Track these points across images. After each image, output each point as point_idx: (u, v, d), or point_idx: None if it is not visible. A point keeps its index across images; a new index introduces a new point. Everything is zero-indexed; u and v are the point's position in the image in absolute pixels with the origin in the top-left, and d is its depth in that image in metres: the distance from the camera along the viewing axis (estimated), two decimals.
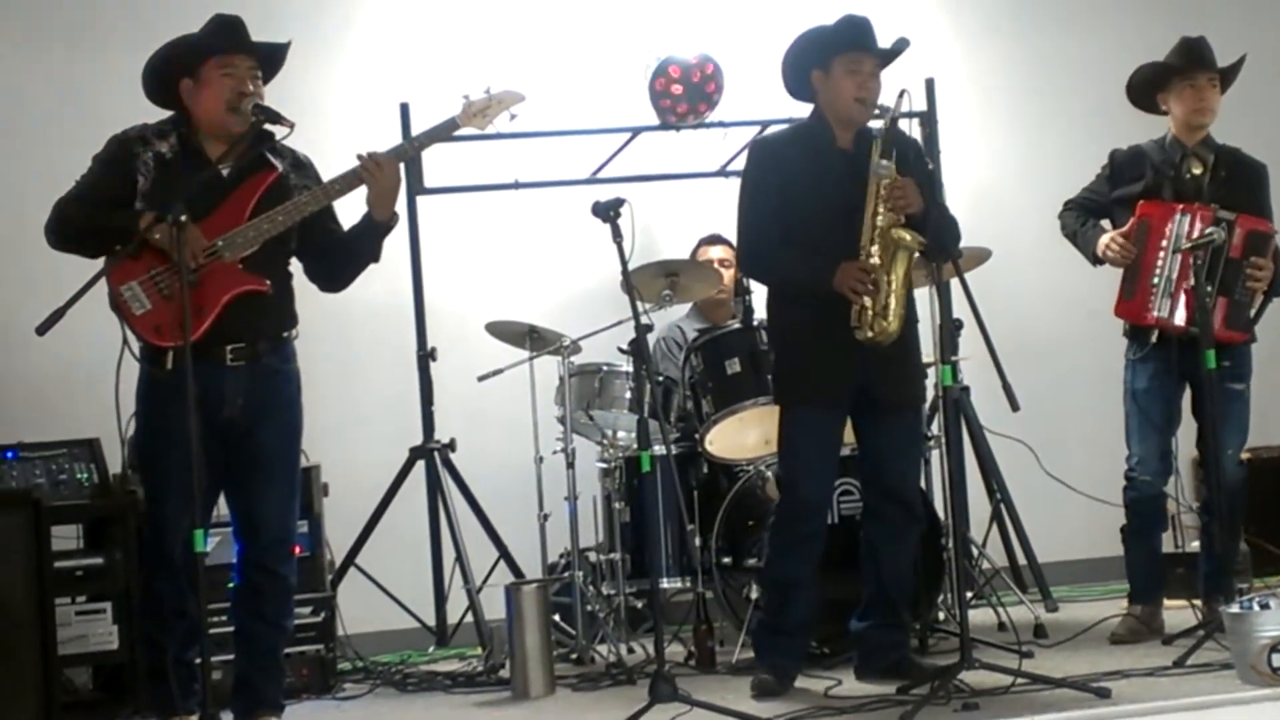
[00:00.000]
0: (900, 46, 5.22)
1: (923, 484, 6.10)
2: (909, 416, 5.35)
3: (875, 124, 5.22)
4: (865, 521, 5.40)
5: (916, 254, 5.10)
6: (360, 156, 4.89)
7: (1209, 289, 5.53)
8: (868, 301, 5.06)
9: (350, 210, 5.02)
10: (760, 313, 5.76)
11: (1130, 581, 5.94)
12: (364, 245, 4.99)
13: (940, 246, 5.08)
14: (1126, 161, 5.88)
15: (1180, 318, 5.64)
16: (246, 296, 4.77)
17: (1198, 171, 5.77)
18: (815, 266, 5.11)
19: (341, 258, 5.03)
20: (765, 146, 5.41)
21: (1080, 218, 5.94)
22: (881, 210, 5.08)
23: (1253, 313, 5.74)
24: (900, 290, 5.09)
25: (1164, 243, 5.65)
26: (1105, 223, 5.91)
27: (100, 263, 4.75)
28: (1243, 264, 5.65)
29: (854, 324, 5.08)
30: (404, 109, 6.74)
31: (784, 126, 5.74)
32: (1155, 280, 5.67)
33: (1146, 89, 5.86)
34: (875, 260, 5.07)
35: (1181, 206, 5.65)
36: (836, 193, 5.16)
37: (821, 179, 5.18)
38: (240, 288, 4.77)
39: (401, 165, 5.02)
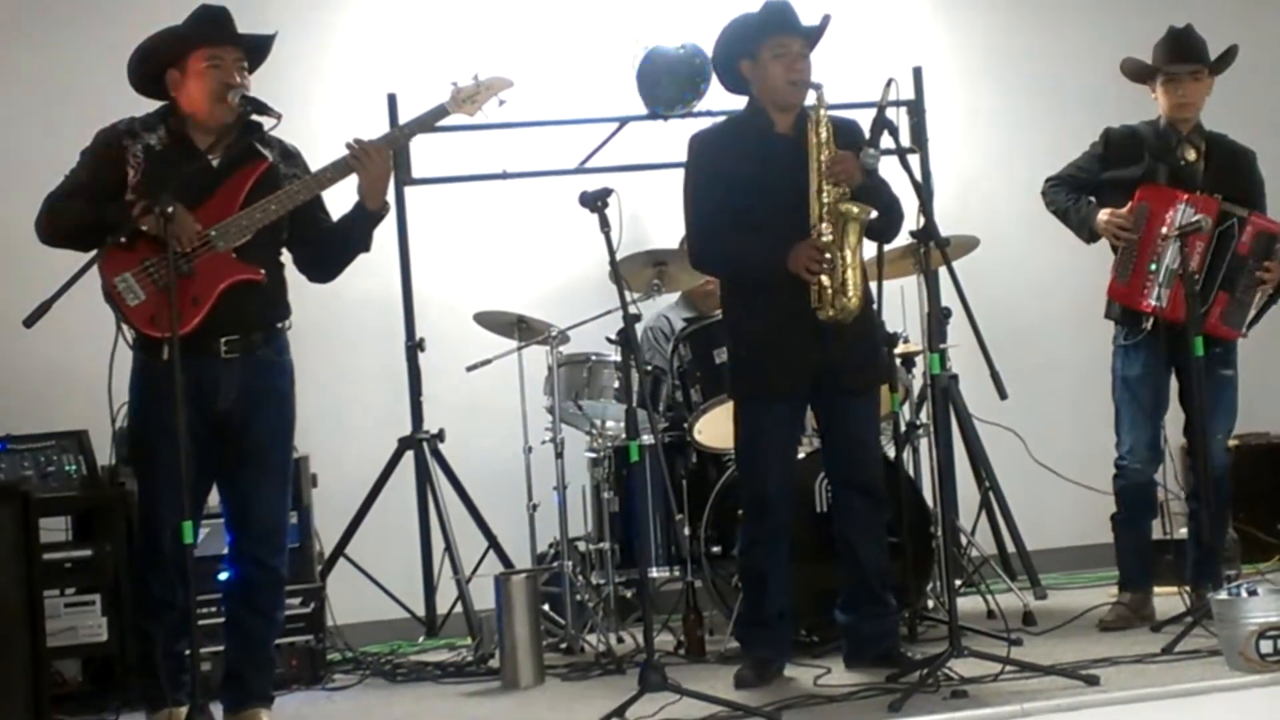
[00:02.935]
0: (824, 23, 5.16)
1: (912, 473, 6.11)
2: (868, 400, 5.32)
3: (811, 103, 5.16)
4: (835, 516, 5.38)
5: (866, 221, 5.05)
6: (350, 144, 4.88)
7: (1203, 281, 5.52)
8: (825, 280, 5.02)
9: (338, 201, 5.02)
10: None
11: (1120, 569, 5.94)
12: (355, 235, 4.98)
13: (888, 216, 5.09)
14: (1122, 142, 5.82)
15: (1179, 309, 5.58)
16: (241, 287, 4.76)
17: (1192, 158, 5.76)
18: (768, 249, 5.07)
19: (332, 248, 5.02)
20: (704, 139, 5.33)
21: (1069, 194, 5.88)
22: (826, 186, 5.06)
23: (1252, 313, 5.70)
24: (856, 264, 5.05)
25: (1164, 230, 5.61)
26: (1094, 199, 5.88)
27: (87, 255, 4.71)
28: (1248, 262, 5.63)
29: (814, 304, 5.05)
30: (391, 99, 6.73)
31: (720, 119, 5.70)
32: (1153, 267, 5.63)
33: (1137, 78, 5.86)
34: (828, 238, 5.03)
35: (1187, 196, 5.62)
36: (781, 178, 5.12)
37: (764, 166, 5.15)
38: (236, 277, 4.76)
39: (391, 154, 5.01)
